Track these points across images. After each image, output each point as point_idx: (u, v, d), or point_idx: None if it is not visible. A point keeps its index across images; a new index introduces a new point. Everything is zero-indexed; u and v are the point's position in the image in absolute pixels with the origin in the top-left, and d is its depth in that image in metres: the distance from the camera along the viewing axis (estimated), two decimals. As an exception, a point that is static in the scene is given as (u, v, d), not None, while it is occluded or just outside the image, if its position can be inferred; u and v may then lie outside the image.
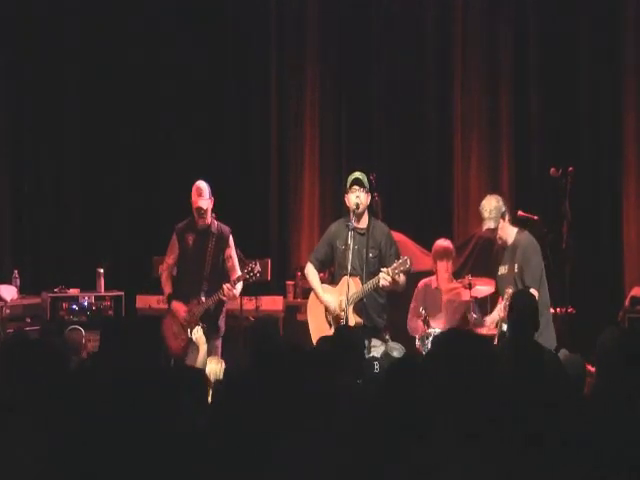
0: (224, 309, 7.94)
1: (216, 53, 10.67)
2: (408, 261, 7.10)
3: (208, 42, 10.62)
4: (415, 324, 8.18)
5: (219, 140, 10.68)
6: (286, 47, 10.63)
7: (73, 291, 9.65)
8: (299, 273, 9.79)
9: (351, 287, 7.09)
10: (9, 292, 9.33)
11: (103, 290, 9.71)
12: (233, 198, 10.49)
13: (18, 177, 10.64)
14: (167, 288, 7.96)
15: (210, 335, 7.42)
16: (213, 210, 7.92)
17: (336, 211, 9.64)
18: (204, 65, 10.60)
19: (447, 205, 10.15)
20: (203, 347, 6.84)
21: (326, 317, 7.37)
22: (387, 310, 7.45)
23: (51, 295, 9.55)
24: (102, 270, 9.68)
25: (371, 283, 7.13)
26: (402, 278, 7.17)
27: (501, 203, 7.32)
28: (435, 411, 3.42)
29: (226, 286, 7.68)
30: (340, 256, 7.36)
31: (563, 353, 6.27)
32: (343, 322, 7.14)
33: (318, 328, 7.36)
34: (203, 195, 7.83)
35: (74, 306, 9.51)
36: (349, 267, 7.10)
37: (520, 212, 8.43)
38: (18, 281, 9.54)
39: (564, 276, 7.91)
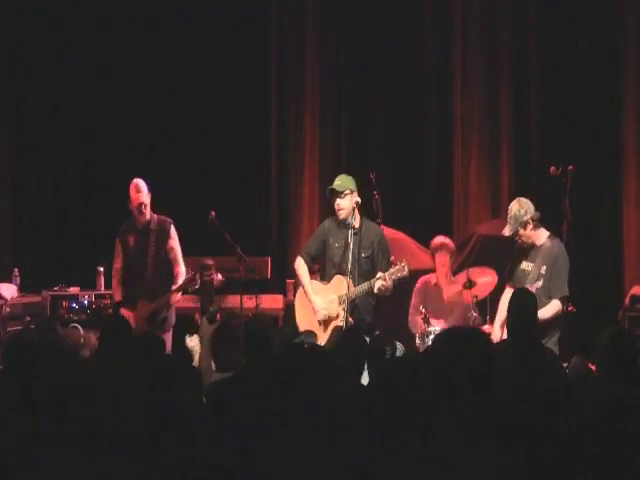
0: (170, 302, 7.98)
1: (216, 52, 10.66)
2: (406, 268, 7.07)
3: (208, 42, 10.61)
4: (415, 321, 8.19)
5: (219, 139, 10.67)
6: (286, 47, 10.63)
7: (73, 289, 9.65)
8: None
9: (345, 287, 7.08)
10: (9, 290, 9.32)
11: (103, 288, 9.70)
12: (233, 196, 10.51)
13: (18, 176, 10.64)
14: (117, 295, 8.07)
15: (155, 330, 7.48)
16: (153, 205, 8.02)
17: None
18: (204, 65, 10.59)
19: (447, 205, 10.15)
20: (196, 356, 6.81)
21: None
22: (377, 311, 7.45)
23: (51, 293, 9.54)
24: (102, 268, 9.67)
25: (365, 286, 7.12)
26: (390, 284, 7.17)
27: (522, 212, 7.08)
28: (434, 410, 3.42)
29: (176, 296, 7.84)
30: (333, 253, 7.36)
31: (576, 360, 6.24)
32: (335, 322, 7.16)
33: (306, 320, 7.37)
34: (142, 191, 7.94)
35: (74, 304, 9.51)
36: (349, 267, 7.09)
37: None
38: (18, 279, 9.53)
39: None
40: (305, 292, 7.44)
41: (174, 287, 7.92)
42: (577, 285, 8.32)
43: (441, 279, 8.34)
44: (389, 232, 8.35)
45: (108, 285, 9.66)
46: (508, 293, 7.20)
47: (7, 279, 9.51)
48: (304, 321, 7.40)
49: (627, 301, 8.74)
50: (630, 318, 8.53)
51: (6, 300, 9.17)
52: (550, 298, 6.95)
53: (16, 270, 9.60)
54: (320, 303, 7.29)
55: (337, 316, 7.20)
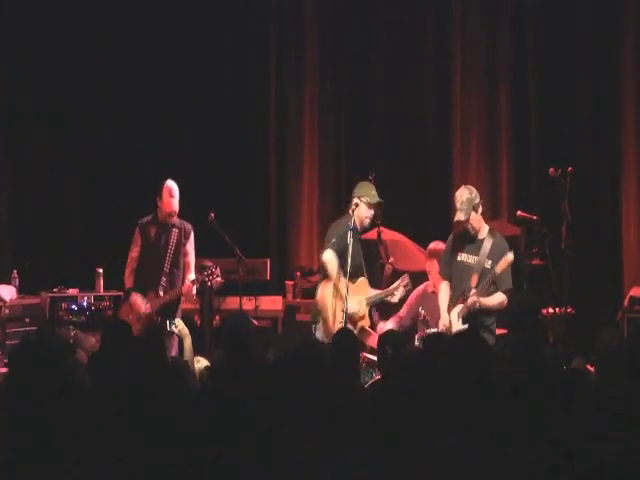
0: (180, 306, 8.03)
1: (216, 53, 10.67)
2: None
3: (207, 43, 10.62)
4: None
5: (218, 140, 10.67)
6: (286, 46, 10.62)
7: (72, 291, 9.63)
8: (298, 273, 9.81)
9: (369, 291, 7.50)
10: (8, 292, 9.32)
11: (102, 290, 9.68)
12: (232, 197, 10.50)
13: (17, 177, 10.64)
14: (128, 282, 8.08)
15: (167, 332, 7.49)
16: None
17: (335, 210, 9.67)
18: (204, 65, 10.60)
19: (447, 205, 10.13)
20: (187, 339, 6.82)
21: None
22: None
23: (50, 295, 9.52)
24: (101, 270, 9.66)
25: (385, 293, 7.52)
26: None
27: (474, 195, 7.25)
28: (436, 410, 3.43)
29: (190, 282, 7.84)
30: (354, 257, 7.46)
31: (578, 361, 6.25)
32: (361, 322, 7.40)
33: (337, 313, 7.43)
34: (176, 196, 7.94)
35: (73, 306, 9.49)
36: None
37: (519, 212, 8.44)
38: (17, 281, 9.52)
39: (563, 276, 7.92)
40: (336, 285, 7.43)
41: (191, 278, 7.94)
42: (576, 285, 8.35)
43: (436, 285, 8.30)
44: (388, 234, 8.34)
45: (107, 286, 9.66)
46: (445, 286, 7.40)
47: (6, 280, 9.51)
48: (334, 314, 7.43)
49: (626, 302, 8.74)
50: (629, 319, 8.53)
51: (5, 302, 9.17)
52: (496, 289, 7.17)
53: (15, 272, 9.59)
54: (353, 305, 7.40)
55: (364, 317, 7.47)
